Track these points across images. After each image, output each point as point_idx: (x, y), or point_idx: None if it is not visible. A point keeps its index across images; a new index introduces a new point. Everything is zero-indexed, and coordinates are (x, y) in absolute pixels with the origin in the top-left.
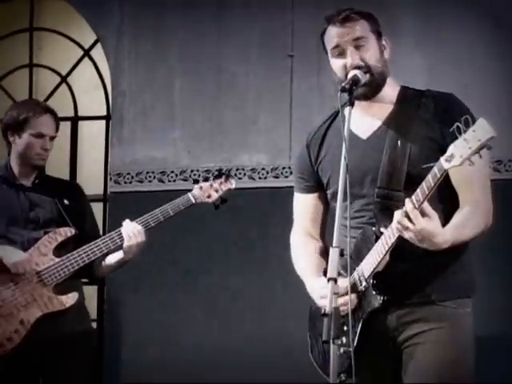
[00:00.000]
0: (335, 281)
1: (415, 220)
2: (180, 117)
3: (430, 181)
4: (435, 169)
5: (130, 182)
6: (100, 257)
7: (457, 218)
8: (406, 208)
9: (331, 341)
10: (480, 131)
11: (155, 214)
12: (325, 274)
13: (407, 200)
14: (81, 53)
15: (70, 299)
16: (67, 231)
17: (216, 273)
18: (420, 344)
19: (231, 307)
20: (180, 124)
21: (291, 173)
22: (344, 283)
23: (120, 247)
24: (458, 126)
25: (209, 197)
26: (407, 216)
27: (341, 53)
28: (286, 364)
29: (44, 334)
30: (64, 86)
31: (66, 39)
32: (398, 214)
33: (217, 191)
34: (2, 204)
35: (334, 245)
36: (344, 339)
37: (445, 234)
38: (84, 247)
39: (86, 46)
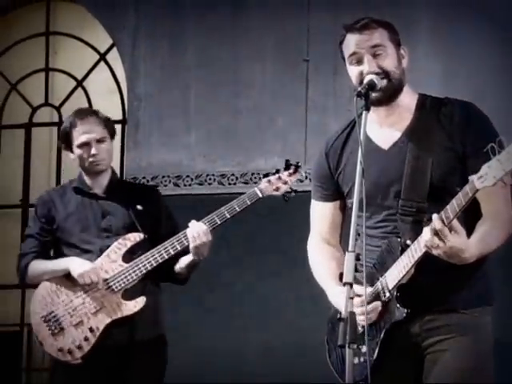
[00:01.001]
0: (351, 285)
1: (445, 238)
2: (195, 121)
3: (461, 199)
4: (467, 188)
5: None
6: (175, 259)
7: (480, 232)
8: (435, 226)
9: (347, 345)
10: None
11: (221, 212)
12: (341, 278)
13: (436, 217)
14: (97, 57)
15: (138, 304)
16: (136, 236)
17: (231, 277)
18: (442, 351)
19: (247, 311)
20: (195, 128)
21: (306, 177)
22: (365, 290)
23: (188, 248)
24: (492, 147)
25: (277, 189)
26: (437, 234)
27: (358, 60)
28: (303, 368)
29: (115, 340)
30: (80, 90)
31: (81, 43)
32: (427, 232)
33: (285, 183)
34: (76, 214)
35: (349, 249)
36: (364, 348)
37: (471, 249)
38: (152, 251)
39: (102, 50)
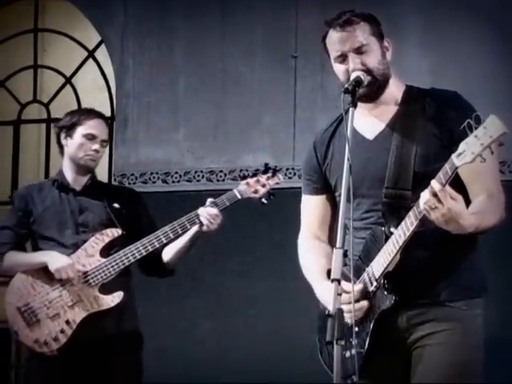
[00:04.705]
0: (339, 282)
1: (444, 200)
2: (184, 117)
3: (441, 177)
4: (446, 166)
5: (134, 183)
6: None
7: (476, 206)
8: (433, 188)
9: (335, 341)
10: (491, 128)
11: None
12: (328, 274)
13: (433, 181)
14: (85, 54)
15: (115, 299)
16: (114, 232)
17: (219, 275)
18: (429, 345)
19: (236, 310)
20: (184, 125)
21: (295, 174)
22: (353, 287)
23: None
24: (468, 123)
25: (255, 192)
26: (435, 195)
27: (343, 59)
28: (294, 366)
29: (90, 333)
30: (68, 86)
31: (70, 40)
32: (425, 194)
33: (264, 186)
34: (53, 208)
35: (337, 245)
36: (356, 340)
37: (470, 218)
38: (130, 247)
39: (91, 47)
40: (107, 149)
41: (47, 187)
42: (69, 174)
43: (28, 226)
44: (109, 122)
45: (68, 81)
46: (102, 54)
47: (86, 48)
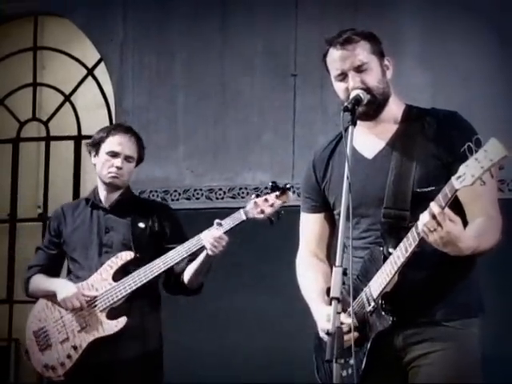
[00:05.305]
0: (338, 300)
1: (443, 222)
2: (183, 135)
3: (440, 200)
4: (446, 189)
5: None
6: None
7: (474, 228)
8: (433, 211)
9: (334, 360)
10: (492, 151)
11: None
12: (328, 293)
13: (433, 203)
14: (84, 72)
15: (119, 324)
16: (127, 255)
17: (217, 291)
18: (425, 365)
19: (230, 325)
20: (183, 142)
21: (294, 192)
22: (348, 319)
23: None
24: (469, 146)
25: (261, 212)
26: (434, 218)
27: (343, 77)
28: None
29: (96, 357)
30: (67, 104)
31: (69, 58)
32: (425, 215)
33: (272, 206)
34: (82, 227)
35: (337, 264)
36: (352, 360)
37: (468, 241)
38: (138, 270)
39: (90, 65)
40: None
41: (82, 206)
42: (101, 192)
43: (59, 247)
44: (138, 136)
45: (67, 99)
46: (102, 72)
47: (85, 66)
